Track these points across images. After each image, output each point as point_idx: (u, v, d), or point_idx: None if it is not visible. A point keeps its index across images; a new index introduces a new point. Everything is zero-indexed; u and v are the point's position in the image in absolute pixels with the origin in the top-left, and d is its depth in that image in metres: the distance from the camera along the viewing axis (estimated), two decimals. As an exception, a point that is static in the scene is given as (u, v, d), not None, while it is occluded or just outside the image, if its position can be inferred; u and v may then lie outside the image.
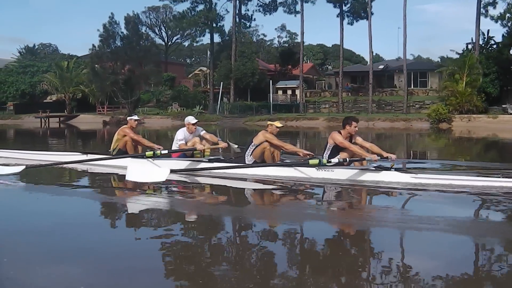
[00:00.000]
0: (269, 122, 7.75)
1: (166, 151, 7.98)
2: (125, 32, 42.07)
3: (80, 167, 8.68)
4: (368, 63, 47.37)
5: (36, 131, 33.86)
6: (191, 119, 8.23)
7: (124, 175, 6.77)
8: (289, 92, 46.21)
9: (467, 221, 5.00)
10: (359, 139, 7.17)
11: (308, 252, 4.16)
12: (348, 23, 44.21)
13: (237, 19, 44.69)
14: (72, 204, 6.11)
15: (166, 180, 6.78)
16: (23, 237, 4.46)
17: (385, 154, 6.86)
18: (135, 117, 8.86)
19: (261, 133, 7.59)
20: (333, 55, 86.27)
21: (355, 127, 7.07)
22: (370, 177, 6.82)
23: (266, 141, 7.48)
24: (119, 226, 5.15)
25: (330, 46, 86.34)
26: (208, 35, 46.81)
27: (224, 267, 3.71)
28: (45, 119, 42.85)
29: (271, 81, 43.79)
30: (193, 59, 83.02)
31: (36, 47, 63.68)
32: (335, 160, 6.85)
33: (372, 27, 41.29)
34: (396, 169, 6.89)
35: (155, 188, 6.83)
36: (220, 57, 44.01)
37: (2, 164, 8.01)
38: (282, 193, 6.78)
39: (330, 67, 78.03)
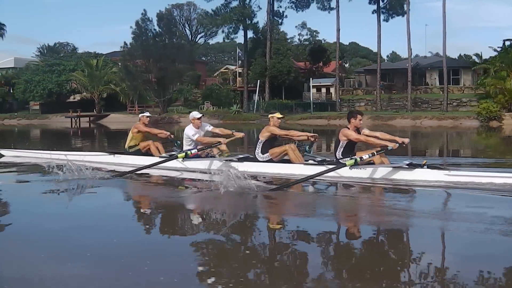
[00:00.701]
0: (270, 116, 7.85)
1: (196, 150, 8.04)
2: (157, 29, 41.16)
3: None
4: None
5: (67, 131, 33.02)
6: (195, 114, 8.42)
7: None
8: (323, 90, 45.42)
9: (499, 219, 4.67)
10: (366, 131, 7.18)
11: (345, 252, 4.05)
12: (384, 20, 43.45)
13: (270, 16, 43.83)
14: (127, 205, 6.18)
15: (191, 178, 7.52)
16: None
17: (399, 140, 6.74)
18: (147, 114, 9.42)
19: (265, 128, 7.71)
20: (349, 53, 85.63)
21: (360, 120, 7.04)
22: (402, 175, 6.76)
23: (272, 134, 7.59)
24: (150, 225, 5.03)
25: (347, 44, 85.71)
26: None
27: (259, 266, 3.61)
28: (75, 118, 41.89)
29: (310, 79, 42.97)
30: (209, 57, 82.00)
31: (57, 45, 62.37)
32: (365, 156, 6.73)
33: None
34: (429, 167, 6.82)
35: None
36: (254, 54, 43.05)
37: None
38: (318, 192, 6.71)
39: (346, 65, 77.12)
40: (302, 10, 45.34)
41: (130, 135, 9.22)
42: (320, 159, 7.62)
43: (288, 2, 44.91)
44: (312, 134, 7.54)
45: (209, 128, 8.44)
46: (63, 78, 46.71)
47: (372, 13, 42.99)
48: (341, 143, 7.08)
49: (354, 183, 6.80)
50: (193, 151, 7.94)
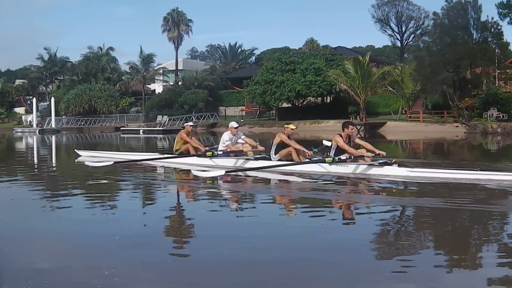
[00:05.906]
0: (285, 125, 10.01)
1: (221, 152, 10.51)
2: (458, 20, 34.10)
3: (155, 163, 11.26)
4: None
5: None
6: (234, 124, 10.92)
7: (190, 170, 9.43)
8: None
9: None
10: (356, 139, 9.43)
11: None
12: None
13: None
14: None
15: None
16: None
17: (377, 151, 8.84)
18: (191, 123, 11.56)
19: (278, 134, 10.00)
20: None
21: (352, 129, 9.25)
22: (375, 171, 8.62)
23: (282, 141, 9.72)
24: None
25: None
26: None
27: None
28: (359, 127, 34.47)
29: None
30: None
31: (237, 45, 55.03)
32: (343, 157, 8.80)
33: None
34: (399, 165, 8.57)
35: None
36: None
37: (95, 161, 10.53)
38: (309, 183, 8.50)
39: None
40: None
41: (176, 140, 11.42)
42: (316, 158, 9.35)
43: None
44: (305, 150, 9.59)
45: (242, 136, 10.95)
46: (309, 78, 39.19)
47: None
48: (332, 146, 9.13)
49: (335, 176, 8.84)
50: (219, 152, 10.59)
